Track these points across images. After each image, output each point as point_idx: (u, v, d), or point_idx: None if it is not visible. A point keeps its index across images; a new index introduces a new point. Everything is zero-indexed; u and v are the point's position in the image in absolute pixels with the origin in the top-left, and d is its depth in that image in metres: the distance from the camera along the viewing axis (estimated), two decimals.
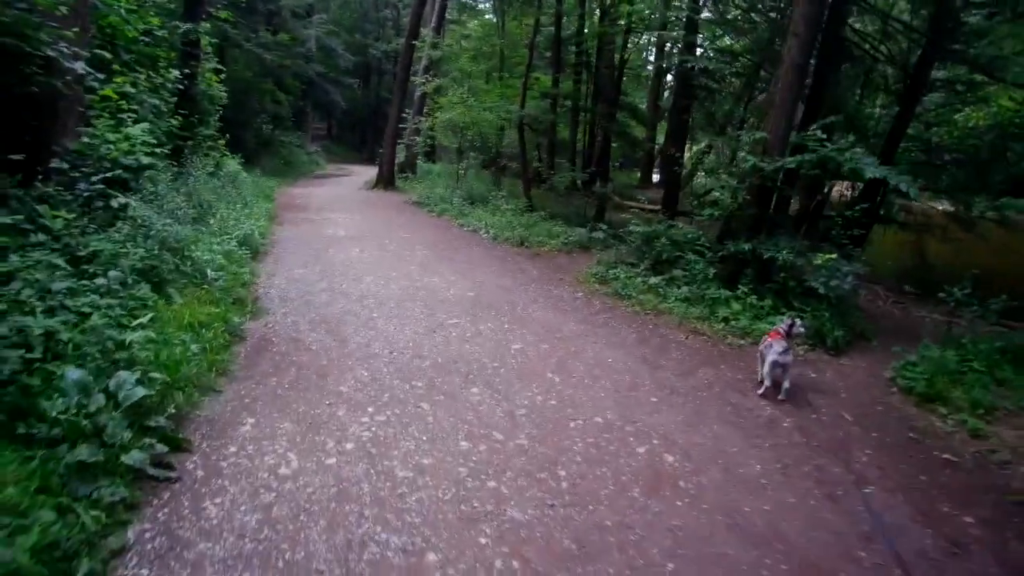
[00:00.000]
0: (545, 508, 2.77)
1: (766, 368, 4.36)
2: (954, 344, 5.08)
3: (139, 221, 5.07)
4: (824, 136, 5.64)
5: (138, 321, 3.42)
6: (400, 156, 18.01)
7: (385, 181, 16.42)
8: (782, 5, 10.68)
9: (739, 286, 6.14)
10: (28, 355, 2.80)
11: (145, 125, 6.11)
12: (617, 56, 14.77)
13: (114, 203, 4.97)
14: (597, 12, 14.96)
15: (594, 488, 2.98)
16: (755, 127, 15.03)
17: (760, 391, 4.40)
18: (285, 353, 4.34)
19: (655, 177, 22.31)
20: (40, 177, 4.27)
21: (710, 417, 3.96)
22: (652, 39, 18.80)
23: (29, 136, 4.33)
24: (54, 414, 2.59)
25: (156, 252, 4.89)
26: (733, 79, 14.66)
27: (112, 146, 5.54)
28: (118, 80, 6.32)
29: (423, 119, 17.25)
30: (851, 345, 5.62)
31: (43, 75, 4.12)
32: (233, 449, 3.05)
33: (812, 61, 6.86)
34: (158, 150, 6.12)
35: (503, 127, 15.11)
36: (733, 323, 5.73)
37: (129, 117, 6.01)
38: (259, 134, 19.33)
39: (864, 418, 4.18)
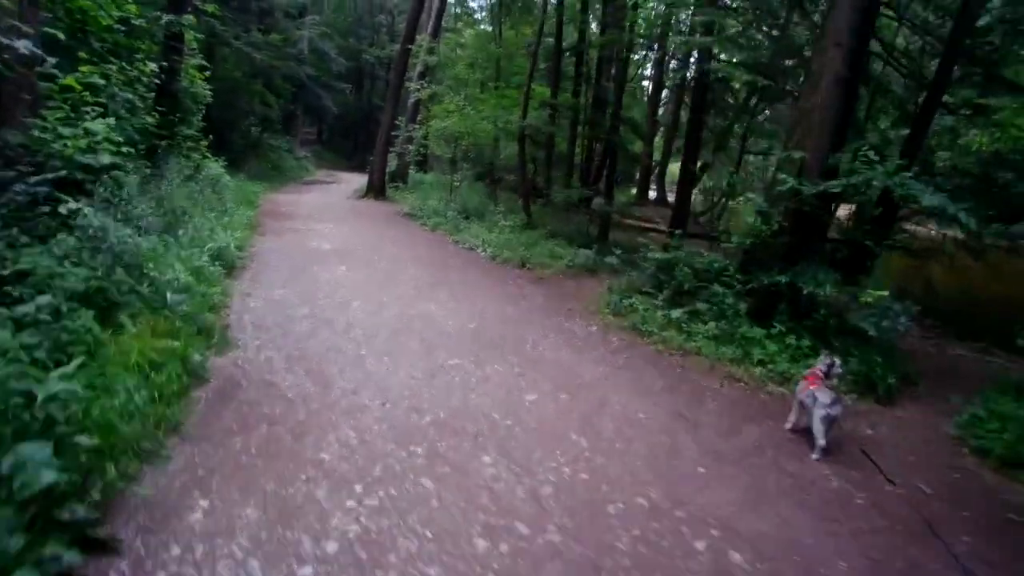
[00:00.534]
0: None
1: (817, 425, 3.78)
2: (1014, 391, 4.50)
3: (90, 231, 4.31)
4: (877, 159, 5.06)
5: (61, 370, 2.64)
6: (391, 165, 17.28)
7: (376, 190, 15.65)
8: (782, 22, 10.35)
9: (773, 323, 5.51)
10: None
11: (111, 120, 5.37)
12: (619, 67, 14.26)
13: (62, 209, 4.24)
14: (594, 25, 14.53)
15: None
16: (765, 146, 14.71)
17: (815, 455, 3.78)
18: (255, 402, 3.57)
19: (651, 194, 21.89)
20: None
21: (770, 494, 3.29)
22: (651, 55, 18.46)
23: None
24: None
25: (107, 270, 4.13)
26: (731, 98, 14.35)
27: (67, 142, 4.81)
28: (83, 69, 5.62)
29: (416, 127, 16.57)
30: (900, 392, 5.01)
31: None
32: (176, 552, 2.29)
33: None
34: (125, 149, 5.36)
35: (498, 138, 14.50)
36: (771, 366, 5.09)
37: (94, 111, 5.28)
38: (246, 136, 18.53)
39: (945, 490, 3.56)
